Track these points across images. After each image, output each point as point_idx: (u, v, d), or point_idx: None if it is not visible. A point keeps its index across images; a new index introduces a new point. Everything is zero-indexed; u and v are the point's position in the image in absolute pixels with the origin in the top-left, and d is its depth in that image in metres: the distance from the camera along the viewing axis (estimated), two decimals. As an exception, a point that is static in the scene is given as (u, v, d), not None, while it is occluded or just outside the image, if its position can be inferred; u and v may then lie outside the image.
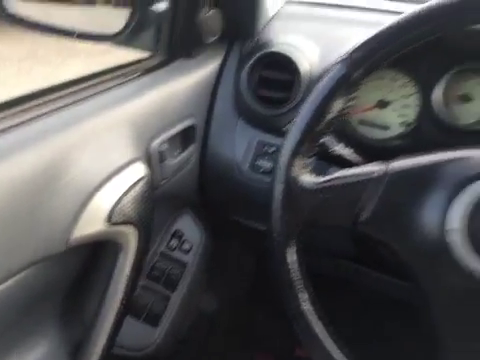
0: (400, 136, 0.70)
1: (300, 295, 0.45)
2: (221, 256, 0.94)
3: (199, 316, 0.96)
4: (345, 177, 0.46)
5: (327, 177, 0.46)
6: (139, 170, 0.53)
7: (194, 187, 0.75)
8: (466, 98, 0.67)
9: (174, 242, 0.75)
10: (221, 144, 0.72)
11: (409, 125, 0.69)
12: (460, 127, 0.66)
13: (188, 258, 0.75)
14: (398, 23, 0.42)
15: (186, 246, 0.75)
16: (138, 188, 0.51)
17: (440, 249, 0.41)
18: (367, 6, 0.81)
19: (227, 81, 0.73)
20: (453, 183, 0.41)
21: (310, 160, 0.46)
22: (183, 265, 0.75)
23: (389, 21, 0.43)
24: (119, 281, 0.52)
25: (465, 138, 0.66)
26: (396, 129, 0.70)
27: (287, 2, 0.90)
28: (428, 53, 0.66)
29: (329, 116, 0.44)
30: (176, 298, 0.73)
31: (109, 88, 0.57)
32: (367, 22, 0.74)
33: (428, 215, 0.42)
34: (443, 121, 0.66)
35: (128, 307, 0.55)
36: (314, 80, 0.67)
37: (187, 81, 0.68)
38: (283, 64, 0.68)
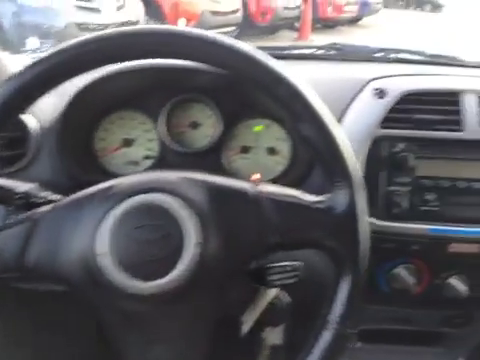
0: (149, 169, 0.73)
1: None
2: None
3: None
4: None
5: None
6: None
7: None
8: (195, 125, 0.74)
9: None
10: None
11: (154, 158, 0.73)
12: (195, 151, 0.72)
13: None
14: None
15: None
16: None
17: (97, 274, 0.42)
18: None
19: None
20: (98, 212, 0.44)
21: None
22: None
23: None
24: None
25: (203, 159, 0.72)
26: (144, 164, 0.74)
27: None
28: (151, 91, 0.71)
29: None
30: None
31: None
32: None
33: (82, 246, 0.44)
34: (178, 149, 0.71)
35: None
36: (45, 133, 0.67)
37: None
38: (13, 123, 0.67)
